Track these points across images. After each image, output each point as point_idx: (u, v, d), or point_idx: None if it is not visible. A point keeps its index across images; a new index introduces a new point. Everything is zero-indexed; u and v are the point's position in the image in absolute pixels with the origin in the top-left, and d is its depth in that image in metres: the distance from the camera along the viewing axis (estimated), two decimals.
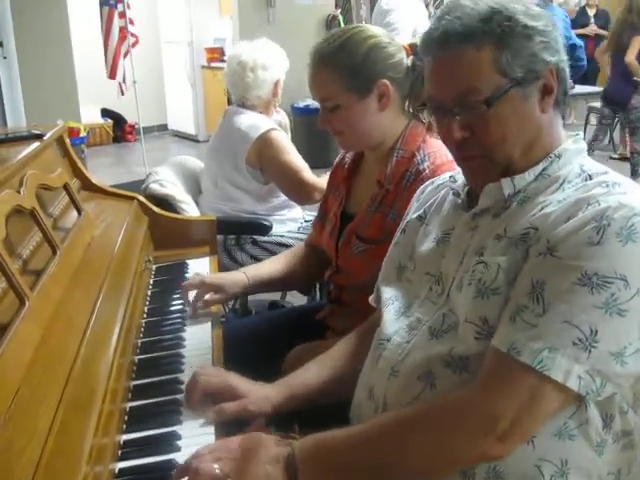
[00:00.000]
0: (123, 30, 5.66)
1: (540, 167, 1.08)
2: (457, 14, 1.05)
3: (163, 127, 8.95)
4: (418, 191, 1.37)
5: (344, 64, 1.51)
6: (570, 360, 0.93)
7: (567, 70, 1.09)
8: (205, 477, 0.98)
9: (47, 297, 1.18)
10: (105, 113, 8.44)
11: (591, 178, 1.05)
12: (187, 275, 1.86)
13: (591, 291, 0.93)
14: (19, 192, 1.28)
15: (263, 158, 2.55)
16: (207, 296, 1.65)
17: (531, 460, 1.00)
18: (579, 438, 1.01)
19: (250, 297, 2.79)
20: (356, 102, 1.53)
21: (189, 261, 1.96)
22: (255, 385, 1.27)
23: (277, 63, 2.66)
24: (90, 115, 7.73)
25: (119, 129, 8.57)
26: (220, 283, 1.68)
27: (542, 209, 1.03)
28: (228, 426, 1.20)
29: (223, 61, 8.17)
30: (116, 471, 1.06)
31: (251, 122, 2.58)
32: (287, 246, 2.52)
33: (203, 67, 8.30)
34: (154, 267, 1.90)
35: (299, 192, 2.58)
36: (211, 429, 1.18)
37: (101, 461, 0.97)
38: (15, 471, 0.80)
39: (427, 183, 1.36)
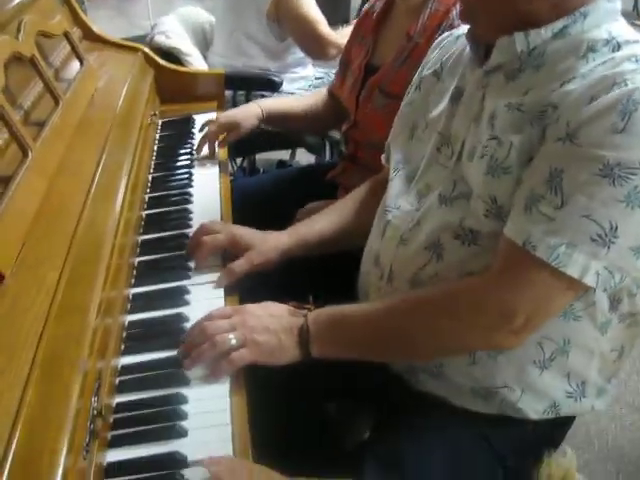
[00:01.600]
0: None
1: (560, 24, 0.96)
2: None
3: None
4: (435, 43, 1.27)
5: None
6: (588, 256, 0.88)
7: None
8: (221, 348, 0.99)
9: (51, 149, 1.15)
10: None
11: (620, 47, 0.93)
12: (193, 130, 1.82)
13: (612, 183, 0.86)
14: (17, 38, 1.21)
15: (281, 9, 2.41)
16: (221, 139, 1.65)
17: (534, 338, 1.00)
18: (584, 319, 1.00)
19: (258, 156, 2.77)
20: None
21: (196, 116, 1.89)
22: (263, 234, 1.27)
23: None
24: None
25: None
26: (234, 119, 1.67)
27: (562, 84, 0.93)
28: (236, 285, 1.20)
29: None
30: (126, 324, 1.07)
31: None
32: None
33: None
34: (160, 122, 1.85)
35: (314, 46, 2.46)
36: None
37: (110, 314, 0.97)
38: (24, 325, 0.80)
39: (446, 34, 1.26)
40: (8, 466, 0.64)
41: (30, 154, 1.06)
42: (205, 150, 1.66)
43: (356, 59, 1.67)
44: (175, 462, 0.84)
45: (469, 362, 1.04)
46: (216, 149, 1.65)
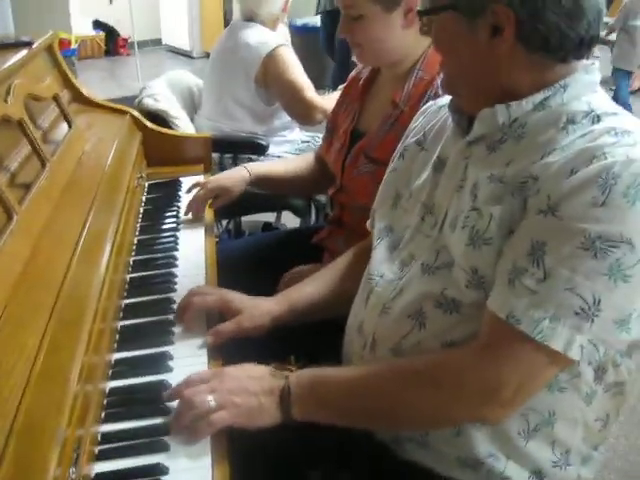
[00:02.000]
0: None
1: (541, 96, 0.98)
2: None
3: (157, 41, 8.68)
4: (419, 111, 1.29)
5: None
6: (572, 330, 0.88)
7: (551, 16, 0.93)
8: (200, 409, 0.97)
9: (36, 212, 1.14)
10: (97, 25, 8.19)
11: (599, 120, 0.95)
12: (180, 193, 1.82)
13: (595, 256, 0.87)
14: (6, 101, 1.22)
15: (269, 74, 2.47)
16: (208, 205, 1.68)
17: (519, 410, 0.99)
18: (569, 390, 1.00)
19: (243, 218, 2.78)
20: (381, 15, 1.46)
21: (183, 178, 1.91)
22: (253, 299, 1.27)
23: None
24: (81, 27, 7.52)
25: (111, 42, 8.32)
26: (223, 184, 1.69)
27: (543, 156, 0.95)
28: (220, 347, 1.18)
29: None
30: (107, 390, 1.05)
31: (260, 38, 2.49)
32: None
33: None
34: (147, 184, 1.85)
35: (302, 111, 2.50)
36: (203, 350, 1.16)
37: (92, 380, 0.95)
38: (3, 392, 0.78)
39: (430, 104, 1.28)
40: None
41: (15, 217, 1.05)
42: (191, 214, 1.67)
43: (342, 125, 1.70)
44: None
45: (454, 433, 1.02)
46: (204, 213, 1.66)
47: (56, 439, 0.76)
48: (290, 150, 2.63)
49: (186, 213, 1.67)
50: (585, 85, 0.99)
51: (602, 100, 0.99)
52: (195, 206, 1.67)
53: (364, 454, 1.14)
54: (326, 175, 1.80)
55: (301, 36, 6.00)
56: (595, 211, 0.86)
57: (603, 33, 5.91)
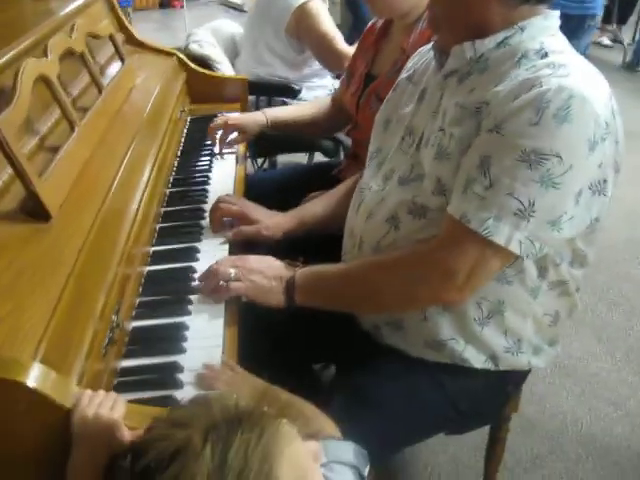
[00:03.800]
0: None
1: (502, 35, 1.15)
2: None
3: None
4: (416, 52, 1.48)
5: None
6: (511, 227, 1.07)
7: None
8: (222, 276, 1.24)
9: (93, 128, 1.39)
10: None
11: (546, 56, 1.12)
12: None
13: (530, 167, 1.04)
14: (70, 37, 1.47)
15: (301, 26, 2.65)
16: (231, 136, 1.88)
17: (474, 299, 1.20)
18: (515, 284, 1.20)
19: (279, 158, 3.01)
20: None
21: (220, 114, 2.14)
22: (270, 213, 1.52)
23: None
24: None
25: None
26: (241, 122, 1.91)
27: (496, 85, 1.12)
28: (240, 247, 1.44)
29: None
30: (145, 272, 1.31)
31: None
32: None
33: None
34: (189, 118, 2.10)
35: (331, 59, 2.68)
36: (225, 247, 1.42)
37: (132, 264, 1.21)
38: (64, 252, 1.04)
39: (423, 47, 1.47)
40: (47, 338, 0.87)
41: (76, 129, 1.31)
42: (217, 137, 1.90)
43: (359, 69, 1.90)
44: (175, 369, 1.07)
45: (421, 318, 1.24)
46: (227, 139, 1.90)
47: (106, 282, 1.03)
48: (321, 95, 2.81)
49: (212, 140, 1.90)
50: (541, 29, 1.16)
51: (556, 41, 1.17)
52: (213, 136, 1.89)
53: (351, 341, 1.37)
54: (341, 116, 2.00)
55: None
56: (530, 129, 1.05)
57: None
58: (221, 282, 1.24)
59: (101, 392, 0.86)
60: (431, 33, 1.65)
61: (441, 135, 1.19)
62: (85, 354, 0.92)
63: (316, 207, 1.59)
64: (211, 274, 1.26)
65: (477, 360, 1.26)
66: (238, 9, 8.44)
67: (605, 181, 1.12)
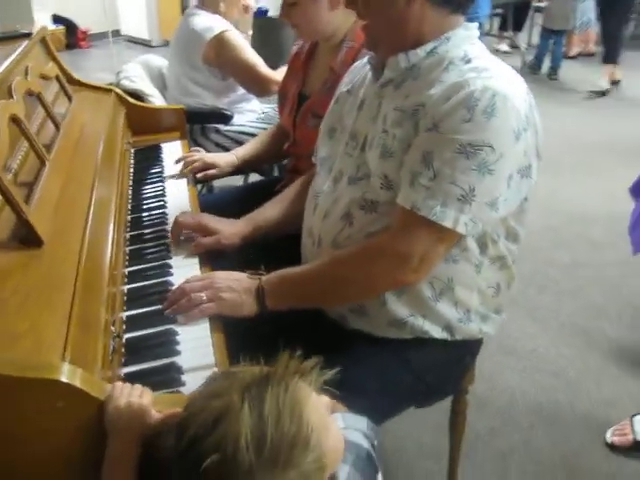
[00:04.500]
0: None
1: (430, 45, 1.31)
2: None
3: (116, 32, 8.90)
4: (351, 68, 1.63)
5: None
6: (457, 212, 1.22)
7: None
8: (194, 301, 1.31)
9: (60, 162, 1.48)
10: (56, 19, 8.37)
11: (470, 62, 1.28)
12: (162, 155, 2.16)
13: (467, 157, 1.20)
14: (27, 78, 1.55)
15: (220, 58, 2.77)
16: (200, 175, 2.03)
17: (426, 279, 1.35)
18: (461, 261, 1.36)
19: (215, 182, 3.12)
20: (311, 0, 1.82)
21: (162, 144, 2.25)
22: (226, 222, 1.63)
23: None
24: (41, 22, 7.69)
25: (72, 35, 8.51)
26: (216, 161, 2.06)
27: (429, 89, 1.27)
28: (207, 256, 1.55)
29: None
30: (126, 290, 1.40)
31: (205, 24, 2.78)
32: (247, 134, 2.81)
33: None
34: (132, 150, 2.19)
35: (257, 85, 2.83)
36: (195, 260, 1.52)
37: (115, 284, 1.30)
38: (60, 272, 1.13)
39: (358, 62, 1.62)
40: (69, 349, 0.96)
41: (47, 163, 1.39)
42: (178, 169, 2.02)
43: (291, 90, 2.06)
44: (174, 369, 1.17)
45: (382, 302, 1.38)
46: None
47: (103, 299, 1.12)
48: (252, 119, 2.96)
49: (180, 172, 2.01)
50: (464, 38, 1.33)
51: (477, 49, 1.34)
52: (184, 167, 2.02)
53: (319, 330, 1.48)
54: (286, 138, 2.15)
55: (264, 18, 6.29)
56: (464, 125, 1.21)
57: None
58: (194, 309, 1.31)
59: (127, 384, 0.96)
60: (356, 52, 1.83)
61: (384, 136, 1.34)
62: (100, 362, 1.01)
63: (269, 211, 1.72)
64: (183, 297, 1.32)
65: (435, 331, 1.41)
66: (146, 44, 8.50)
67: (530, 166, 1.30)
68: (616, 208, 3.56)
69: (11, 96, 1.39)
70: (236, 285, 1.36)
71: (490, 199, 1.24)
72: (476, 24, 1.38)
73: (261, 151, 2.19)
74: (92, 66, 7.08)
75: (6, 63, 1.55)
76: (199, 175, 2.03)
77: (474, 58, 1.30)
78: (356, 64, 1.63)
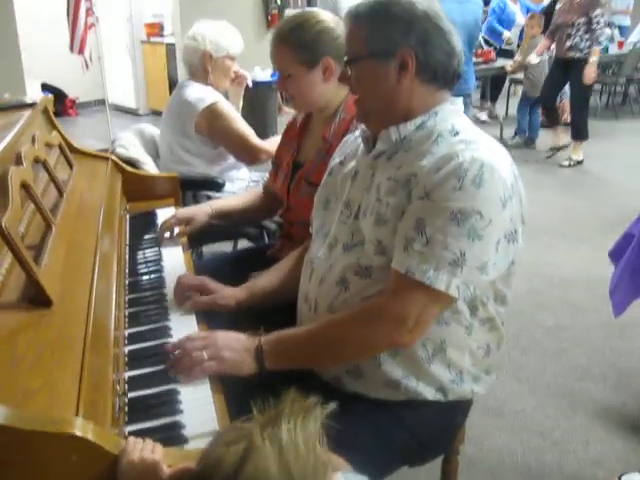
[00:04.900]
0: (89, 11, 6.11)
1: (420, 120, 1.40)
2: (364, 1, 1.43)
3: (103, 101, 9.04)
4: (342, 141, 1.72)
5: (297, 42, 1.89)
6: (449, 275, 1.29)
7: (438, 56, 1.38)
8: (195, 360, 1.34)
9: (65, 225, 1.54)
10: (45, 88, 8.53)
11: (458, 134, 1.37)
12: (157, 221, 2.22)
13: (458, 224, 1.27)
14: (34, 146, 1.62)
15: (212, 127, 2.86)
16: (177, 229, 2.06)
17: (420, 341, 1.40)
18: (453, 323, 1.41)
19: (204, 248, 3.17)
20: (305, 73, 1.92)
21: (157, 210, 2.31)
22: (223, 286, 1.68)
23: (212, 37, 2.92)
24: (32, 89, 7.83)
25: (60, 104, 8.66)
26: (190, 214, 2.10)
27: (421, 160, 1.35)
28: (203, 316, 1.60)
29: (162, 36, 8.38)
30: (126, 352, 1.44)
31: (198, 95, 2.87)
32: None
33: (143, 42, 8.50)
34: (128, 216, 2.24)
35: (248, 155, 2.91)
36: (193, 322, 1.56)
37: (118, 345, 1.35)
38: (71, 330, 1.17)
39: (349, 135, 1.71)
40: (82, 405, 1.00)
41: (53, 227, 1.45)
42: (166, 235, 2.06)
43: (285, 159, 2.14)
44: (177, 427, 1.20)
45: (377, 364, 1.42)
46: (174, 233, 2.06)
47: (110, 358, 1.16)
48: (243, 187, 3.03)
49: (160, 238, 2.05)
50: (450, 112, 1.43)
51: (463, 122, 1.43)
52: (163, 231, 2.05)
53: (314, 392, 1.52)
54: (273, 203, 2.23)
55: (251, 89, 6.45)
56: (455, 194, 1.29)
57: None
58: (195, 368, 1.34)
59: (140, 439, 0.99)
60: (348, 123, 1.92)
61: (378, 205, 1.41)
62: (110, 419, 1.05)
63: (265, 281, 1.77)
64: (184, 356, 1.35)
65: (429, 393, 1.45)
66: (133, 113, 8.66)
67: (516, 231, 1.38)
68: (596, 272, 3.67)
69: (21, 163, 1.45)
70: (236, 344, 1.40)
71: (480, 263, 1.31)
72: (461, 99, 1.48)
73: (240, 207, 2.25)
74: (80, 133, 7.20)
75: (14, 131, 1.63)
76: (176, 231, 2.07)
77: (461, 131, 1.39)
78: (347, 137, 1.72)
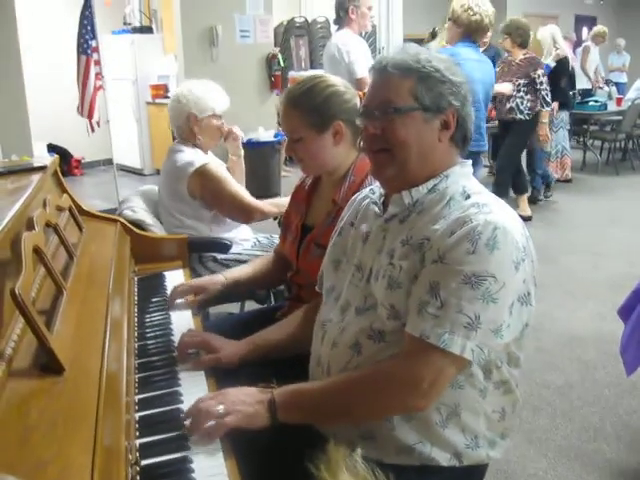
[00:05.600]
0: (98, 75, 6.25)
1: (432, 183, 1.43)
2: (399, 53, 1.46)
3: (108, 161, 9.16)
4: (350, 201, 1.73)
5: (307, 106, 1.91)
6: (463, 339, 1.29)
7: (469, 121, 1.45)
8: (211, 414, 1.33)
9: (76, 290, 1.53)
10: (51, 148, 8.64)
11: (469, 197, 1.40)
12: (166, 283, 2.22)
13: (472, 287, 1.28)
14: (45, 210, 1.63)
15: (204, 190, 2.88)
16: (190, 297, 2.05)
17: (434, 405, 1.38)
18: (467, 387, 1.40)
19: (211, 310, 3.16)
20: (315, 137, 1.93)
21: (165, 273, 2.31)
22: (226, 341, 1.69)
23: (195, 97, 2.92)
24: (38, 150, 7.93)
25: (65, 164, 8.76)
26: (203, 284, 2.08)
27: (434, 224, 1.37)
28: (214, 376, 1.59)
29: (167, 97, 8.51)
30: (137, 418, 1.42)
31: (187, 159, 2.88)
32: (244, 262, 2.85)
33: (148, 103, 8.63)
34: (136, 278, 2.24)
35: (242, 214, 2.93)
36: (203, 382, 1.55)
37: (129, 411, 1.33)
38: (83, 397, 1.16)
39: (357, 195, 1.72)
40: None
41: (64, 292, 1.45)
42: (178, 301, 2.04)
43: (294, 221, 2.15)
44: None
45: (390, 428, 1.41)
46: (185, 299, 2.05)
47: (122, 425, 1.14)
48: (248, 247, 3.03)
49: (169, 304, 2.03)
50: (461, 175, 1.46)
51: (473, 184, 1.46)
52: (174, 298, 2.03)
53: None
54: (285, 265, 2.22)
55: (255, 149, 6.56)
56: (469, 257, 1.30)
57: None
58: (212, 422, 1.32)
59: None
60: (358, 186, 1.93)
61: (391, 268, 1.41)
62: None
63: (269, 333, 1.79)
64: (200, 415, 1.33)
65: (443, 458, 1.42)
66: (138, 173, 8.75)
67: (529, 294, 1.38)
68: (604, 329, 3.64)
69: (33, 227, 1.46)
70: (248, 398, 1.40)
71: (495, 326, 1.31)
72: (470, 161, 1.51)
73: (253, 275, 2.23)
74: (86, 193, 7.27)
75: (26, 194, 1.64)
76: (188, 299, 2.05)
77: (473, 194, 1.41)
78: (355, 197, 1.72)
